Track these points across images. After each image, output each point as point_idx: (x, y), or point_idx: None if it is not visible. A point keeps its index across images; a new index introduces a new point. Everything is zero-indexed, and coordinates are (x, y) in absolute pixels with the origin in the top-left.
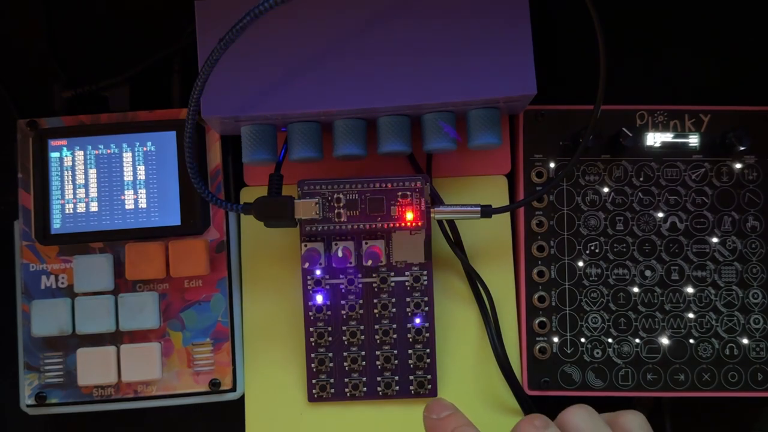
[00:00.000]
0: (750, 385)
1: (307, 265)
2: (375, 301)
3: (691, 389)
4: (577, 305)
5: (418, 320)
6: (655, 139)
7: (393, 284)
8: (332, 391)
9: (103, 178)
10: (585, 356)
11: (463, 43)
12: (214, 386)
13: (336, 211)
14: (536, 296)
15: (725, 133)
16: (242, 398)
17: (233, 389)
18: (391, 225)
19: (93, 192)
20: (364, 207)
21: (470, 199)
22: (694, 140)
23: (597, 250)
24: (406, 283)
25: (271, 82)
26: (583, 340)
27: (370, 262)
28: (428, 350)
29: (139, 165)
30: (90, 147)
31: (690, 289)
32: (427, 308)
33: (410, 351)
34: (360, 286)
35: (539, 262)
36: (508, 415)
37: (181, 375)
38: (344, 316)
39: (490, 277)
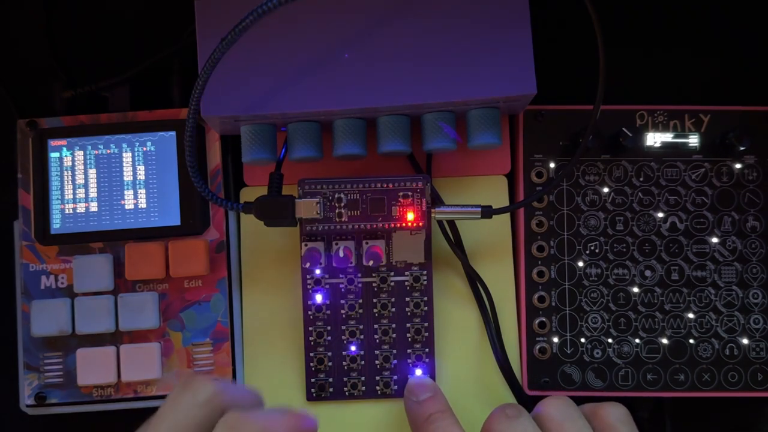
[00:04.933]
0: (750, 385)
1: (308, 264)
2: (374, 300)
3: (691, 389)
4: (577, 305)
5: (417, 320)
6: (655, 139)
7: (393, 284)
8: (331, 390)
9: (103, 179)
10: (585, 356)
11: (463, 44)
12: None
13: (337, 210)
14: (536, 296)
15: (725, 133)
16: None
17: None
18: (392, 225)
19: (93, 192)
20: (365, 207)
21: (470, 199)
22: (694, 140)
23: (597, 250)
24: (406, 283)
25: (270, 82)
26: (583, 340)
27: (371, 263)
28: (427, 350)
29: (138, 165)
30: (90, 147)
31: (690, 289)
32: (426, 308)
33: (409, 350)
34: (360, 285)
35: (539, 262)
36: None
37: (181, 375)
38: (344, 316)
39: (490, 277)
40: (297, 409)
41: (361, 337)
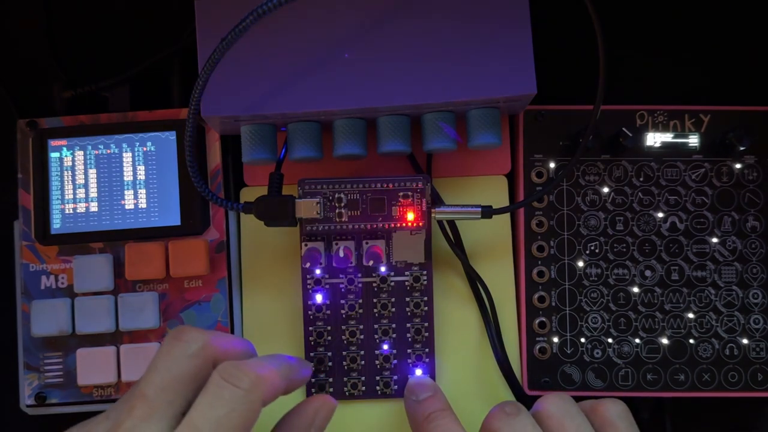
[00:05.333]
0: (750, 385)
1: (308, 264)
2: (375, 300)
3: (691, 389)
4: (577, 305)
5: (417, 320)
6: (655, 139)
7: (393, 284)
8: (331, 390)
9: (103, 178)
10: (585, 356)
11: (463, 43)
12: None
13: (337, 210)
14: (536, 296)
15: (725, 133)
16: None
17: None
18: (392, 225)
19: (93, 192)
20: (365, 207)
21: (470, 199)
22: (694, 140)
23: (597, 250)
24: (406, 283)
25: (270, 82)
26: (583, 340)
27: (371, 263)
28: (427, 350)
29: (139, 165)
30: (90, 147)
31: (690, 289)
32: (426, 308)
33: (409, 350)
34: (360, 285)
35: (539, 262)
36: None
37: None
38: (344, 316)
39: (490, 277)
40: (291, 357)
41: (361, 337)
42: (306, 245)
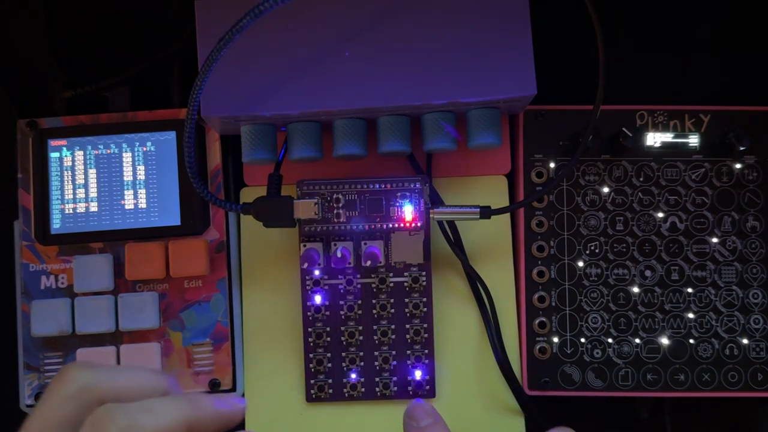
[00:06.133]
0: (750, 385)
1: (306, 265)
2: (374, 301)
3: (691, 389)
4: (577, 305)
5: (416, 321)
6: (655, 139)
7: (392, 285)
8: (330, 391)
9: (103, 178)
10: (585, 356)
11: (464, 44)
12: (214, 386)
13: (335, 211)
14: (536, 296)
15: (725, 133)
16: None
17: (233, 389)
18: (390, 225)
19: (93, 192)
20: (364, 207)
21: (470, 199)
22: (694, 140)
23: (597, 250)
24: (405, 284)
25: (271, 82)
26: (583, 340)
27: (369, 263)
28: (426, 351)
29: (138, 165)
30: (90, 147)
31: (690, 289)
32: (425, 309)
33: (408, 351)
34: (359, 286)
35: (539, 262)
36: (508, 415)
37: (180, 375)
38: (343, 317)
39: (490, 277)
40: (218, 398)
41: (361, 338)
42: (304, 246)
